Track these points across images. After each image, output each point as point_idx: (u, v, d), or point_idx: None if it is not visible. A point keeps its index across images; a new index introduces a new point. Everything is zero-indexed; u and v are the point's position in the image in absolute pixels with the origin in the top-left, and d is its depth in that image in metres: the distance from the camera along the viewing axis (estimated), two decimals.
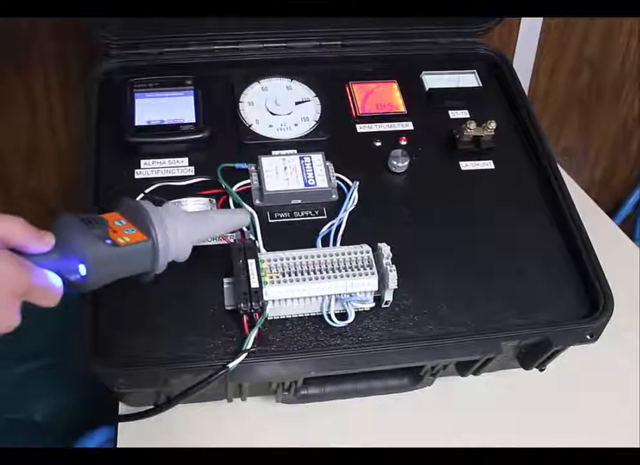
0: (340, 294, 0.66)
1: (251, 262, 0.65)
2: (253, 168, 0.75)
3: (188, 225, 0.62)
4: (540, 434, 0.75)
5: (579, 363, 0.77)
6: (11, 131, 1.16)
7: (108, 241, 0.56)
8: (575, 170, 1.32)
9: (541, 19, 1.18)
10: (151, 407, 0.67)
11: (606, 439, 0.76)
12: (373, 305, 0.67)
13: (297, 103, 0.82)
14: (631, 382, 0.82)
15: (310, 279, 0.65)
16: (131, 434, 0.71)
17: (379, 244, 0.67)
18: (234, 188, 0.73)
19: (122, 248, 0.56)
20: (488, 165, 0.80)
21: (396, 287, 0.66)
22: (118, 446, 0.71)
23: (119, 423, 0.72)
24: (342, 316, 0.67)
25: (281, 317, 0.67)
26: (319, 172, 0.75)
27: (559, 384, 0.79)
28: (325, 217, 0.73)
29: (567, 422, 0.77)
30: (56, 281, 0.53)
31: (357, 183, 0.75)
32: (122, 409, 0.72)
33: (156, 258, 0.59)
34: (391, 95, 0.85)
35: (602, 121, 1.38)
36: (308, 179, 0.74)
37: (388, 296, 0.67)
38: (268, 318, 0.65)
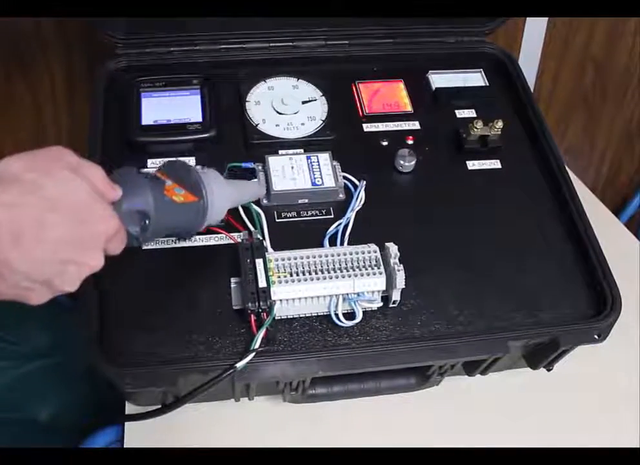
0: (347, 294, 0.66)
1: (259, 262, 0.65)
2: (260, 167, 0.75)
3: (227, 190, 0.64)
4: (547, 434, 0.75)
5: (584, 361, 0.76)
6: (17, 130, 1.16)
7: (166, 198, 0.58)
8: (581, 169, 1.32)
9: (546, 19, 1.18)
10: (159, 406, 0.67)
11: (607, 439, 0.76)
12: (380, 304, 0.67)
13: (303, 102, 0.82)
14: (633, 381, 0.81)
15: (318, 278, 0.65)
16: (138, 434, 0.71)
17: (386, 243, 0.67)
18: None
19: (178, 205, 0.59)
20: (495, 164, 0.80)
21: (404, 287, 0.66)
22: (125, 446, 0.71)
23: (126, 423, 0.72)
24: (349, 315, 0.67)
25: (289, 317, 0.67)
26: (326, 172, 0.74)
27: (564, 384, 0.79)
28: (332, 216, 0.73)
29: (571, 422, 0.77)
30: (124, 230, 0.55)
31: (364, 182, 0.75)
32: (129, 408, 0.72)
33: (204, 217, 0.62)
34: (397, 95, 0.85)
35: (607, 120, 1.38)
36: (315, 178, 0.74)
37: (396, 296, 0.67)
38: (276, 318, 0.65)
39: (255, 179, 0.73)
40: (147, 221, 0.56)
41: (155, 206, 0.56)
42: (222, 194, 0.63)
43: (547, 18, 1.18)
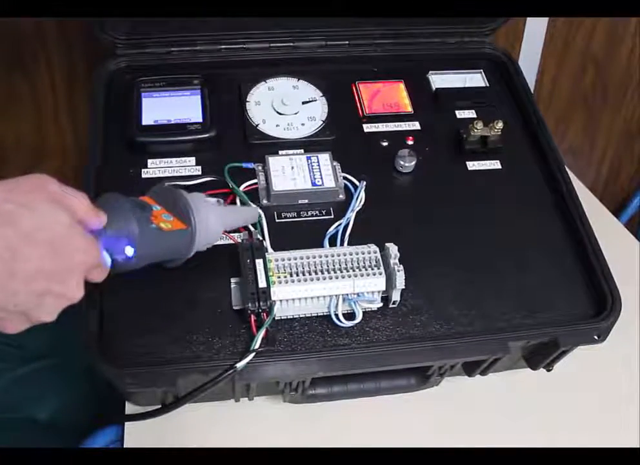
0: (347, 294, 0.66)
1: (259, 262, 0.65)
2: (260, 167, 0.75)
3: (217, 215, 0.64)
4: (547, 434, 0.76)
5: (584, 362, 0.77)
6: (17, 129, 1.16)
7: (153, 226, 0.58)
8: (580, 169, 1.32)
9: (547, 19, 1.18)
10: (159, 406, 0.67)
11: (607, 439, 0.76)
12: (380, 305, 0.67)
13: (303, 103, 0.82)
14: (633, 382, 0.82)
15: (318, 279, 0.65)
16: (138, 434, 0.71)
17: (386, 244, 0.67)
18: (241, 188, 0.73)
19: (165, 233, 0.58)
20: (495, 165, 0.80)
21: (403, 287, 0.66)
22: (125, 446, 0.71)
23: (126, 423, 0.72)
24: (349, 316, 0.67)
25: (289, 317, 0.67)
26: (326, 172, 0.74)
27: (564, 384, 0.79)
28: (332, 217, 0.73)
29: (572, 422, 0.77)
30: (107, 258, 0.55)
31: (364, 182, 0.75)
32: (129, 408, 0.72)
33: (192, 245, 0.62)
34: (398, 95, 0.85)
35: (607, 120, 1.38)
36: (315, 179, 0.74)
37: (396, 296, 0.67)
38: (276, 318, 0.65)
39: (251, 206, 0.72)
40: (132, 249, 0.56)
41: (140, 234, 0.56)
42: (212, 221, 0.63)
43: (547, 19, 1.18)
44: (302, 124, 0.80)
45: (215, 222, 0.64)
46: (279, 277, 0.64)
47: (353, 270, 0.65)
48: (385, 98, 0.85)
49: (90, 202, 0.53)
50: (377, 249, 0.67)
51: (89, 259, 0.52)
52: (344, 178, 0.75)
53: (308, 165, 0.75)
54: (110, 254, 0.55)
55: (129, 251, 0.56)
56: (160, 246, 0.60)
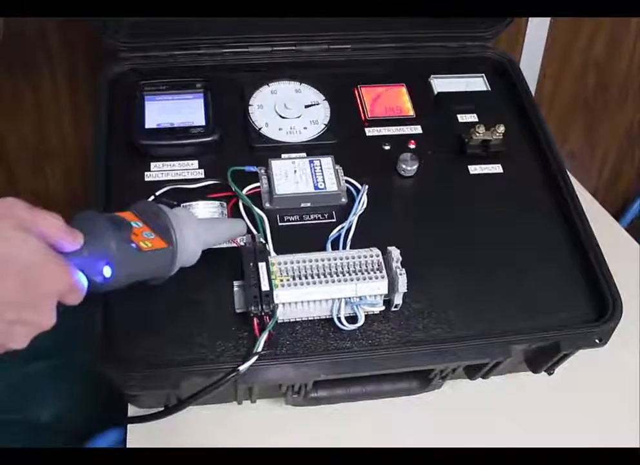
0: (350, 298, 0.66)
1: (262, 265, 0.65)
2: (262, 171, 0.75)
3: (200, 231, 0.63)
4: (548, 436, 0.76)
5: (585, 364, 0.77)
6: (19, 133, 1.16)
7: (133, 245, 0.56)
8: (581, 173, 1.32)
9: (548, 22, 1.18)
10: (162, 409, 0.67)
11: (607, 439, 0.76)
12: (382, 308, 0.68)
13: (306, 106, 0.82)
14: (633, 383, 0.82)
15: (320, 282, 0.65)
16: (141, 436, 0.71)
17: (388, 247, 0.67)
18: (244, 191, 0.73)
19: (145, 253, 0.57)
20: (497, 168, 0.81)
21: (406, 291, 0.66)
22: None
23: (129, 425, 0.72)
24: (352, 319, 0.67)
25: (291, 320, 0.67)
26: (328, 176, 0.75)
27: (565, 385, 0.79)
28: (335, 220, 0.74)
29: (572, 423, 0.78)
30: (84, 280, 0.53)
31: (367, 186, 0.75)
32: (131, 410, 0.72)
33: (174, 264, 0.60)
34: (399, 99, 0.86)
35: (608, 124, 1.38)
36: (317, 182, 0.74)
37: (398, 300, 0.67)
38: (278, 321, 0.65)
39: (238, 219, 0.71)
40: (110, 271, 0.54)
41: (118, 254, 0.54)
42: (195, 238, 0.62)
43: (548, 21, 1.18)
44: (305, 128, 0.81)
45: (197, 240, 0.62)
46: (281, 280, 0.65)
47: (356, 274, 0.66)
48: (387, 102, 0.85)
49: (63, 223, 0.51)
50: (380, 253, 0.67)
51: (61, 287, 0.50)
52: (347, 182, 0.76)
53: (311, 168, 0.75)
54: (87, 276, 0.53)
55: (107, 272, 0.54)
56: (139, 266, 0.58)
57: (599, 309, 0.71)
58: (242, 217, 0.71)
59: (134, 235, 0.57)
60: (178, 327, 0.66)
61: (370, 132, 0.82)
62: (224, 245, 0.69)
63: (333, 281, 0.65)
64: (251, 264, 0.65)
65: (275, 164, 0.75)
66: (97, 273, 0.54)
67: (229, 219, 0.71)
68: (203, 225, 0.65)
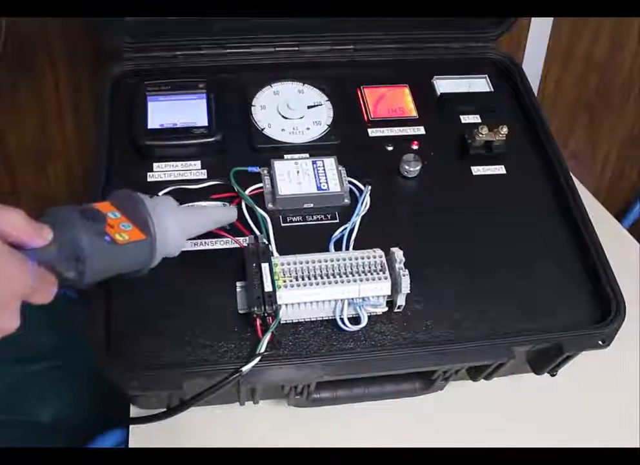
0: (353, 299, 0.66)
1: (265, 266, 0.65)
2: (265, 171, 0.75)
3: (182, 220, 0.61)
4: (550, 437, 0.76)
5: (585, 364, 0.77)
6: (21, 133, 1.16)
7: (107, 238, 0.53)
8: (583, 174, 1.32)
9: (550, 24, 1.18)
10: (164, 410, 0.67)
11: (607, 439, 0.76)
12: (385, 309, 0.67)
13: (309, 107, 0.82)
14: (633, 383, 0.82)
15: (323, 283, 0.65)
16: (143, 437, 0.71)
17: (391, 248, 0.67)
18: (247, 192, 0.73)
19: (120, 246, 0.54)
20: (500, 170, 0.80)
21: (409, 292, 0.66)
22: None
23: (131, 426, 0.72)
24: (354, 320, 0.67)
25: (294, 321, 0.67)
26: (331, 176, 0.75)
27: (566, 386, 0.79)
28: (337, 221, 0.73)
29: (574, 425, 0.78)
30: (53, 278, 0.50)
31: (369, 187, 0.75)
32: (133, 411, 0.72)
33: (153, 256, 0.58)
34: (402, 100, 0.85)
35: (610, 125, 1.38)
36: (320, 183, 0.74)
37: (401, 301, 0.67)
38: (281, 322, 0.65)
39: (220, 203, 0.69)
40: (82, 266, 0.51)
41: (90, 249, 0.51)
42: (177, 227, 0.60)
43: (551, 23, 1.18)
44: (308, 129, 0.81)
45: (179, 230, 0.60)
46: (284, 281, 0.64)
47: (359, 275, 0.66)
48: (390, 103, 0.85)
49: (27, 220, 0.48)
50: (383, 254, 0.67)
51: (23, 288, 0.47)
52: (350, 182, 0.76)
53: (314, 169, 0.75)
54: (59, 272, 0.50)
55: (79, 267, 0.51)
56: (115, 260, 0.54)
57: (602, 311, 0.71)
58: (245, 218, 0.71)
59: (109, 227, 0.53)
60: (180, 328, 0.65)
61: (373, 132, 0.82)
62: (227, 246, 0.69)
63: (336, 282, 0.65)
64: (254, 265, 0.65)
65: (277, 164, 0.75)
66: (68, 269, 0.51)
67: (216, 205, 0.70)
68: (187, 213, 0.64)
